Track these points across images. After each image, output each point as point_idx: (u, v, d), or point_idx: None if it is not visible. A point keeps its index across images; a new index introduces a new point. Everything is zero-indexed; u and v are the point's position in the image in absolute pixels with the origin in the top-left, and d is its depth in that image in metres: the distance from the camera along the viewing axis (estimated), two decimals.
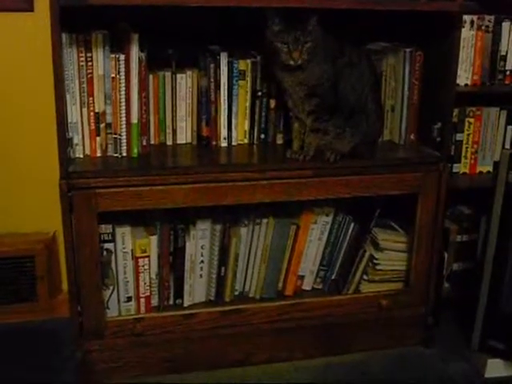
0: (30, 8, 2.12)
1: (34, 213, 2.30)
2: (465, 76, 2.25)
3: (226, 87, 2.04)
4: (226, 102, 2.05)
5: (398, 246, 2.20)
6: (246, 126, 2.11)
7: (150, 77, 2.00)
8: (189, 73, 2.04)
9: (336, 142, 2.01)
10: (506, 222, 1.99)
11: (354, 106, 2.00)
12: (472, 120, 2.30)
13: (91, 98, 1.90)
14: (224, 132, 2.08)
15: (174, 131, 2.09)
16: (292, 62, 1.85)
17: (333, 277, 2.21)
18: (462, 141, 2.31)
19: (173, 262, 2.05)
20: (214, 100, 2.05)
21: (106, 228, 1.96)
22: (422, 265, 2.16)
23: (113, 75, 1.89)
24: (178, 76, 2.04)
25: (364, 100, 2.01)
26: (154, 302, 2.07)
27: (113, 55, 1.88)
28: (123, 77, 1.89)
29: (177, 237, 2.03)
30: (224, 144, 2.09)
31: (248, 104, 2.09)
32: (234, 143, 2.11)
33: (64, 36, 1.80)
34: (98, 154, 1.95)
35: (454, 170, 2.32)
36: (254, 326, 2.08)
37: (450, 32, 2.00)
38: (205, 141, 2.09)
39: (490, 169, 2.34)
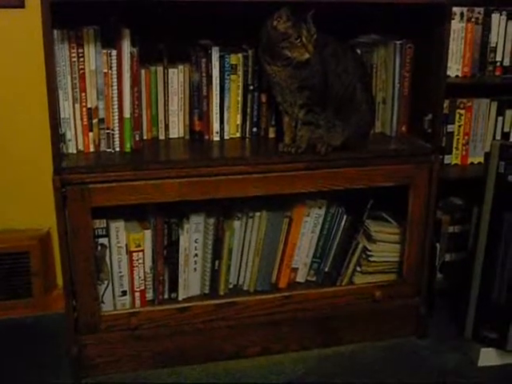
0: (20, 4, 2.11)
1: (28, 209, 2.30)
2: (455, 67, 2.27)
3: (218, 81, 2.05)
4: (218, 96, 2.06)
5: (391, 237, 2.21)
6: (238, 120, 2.12)
7: (142, 72, 2.00)
8: (180, 67, 2.05)
9: (327, 136, 2.02)
10: (496, 212, 2.00)
11: (341, 98, 2.00)
12: (463, 111, 2.31)
13: (83, 94, 1.90)
14: (216, 126, 2.09)
15: (167, 126, 2.09)
16: (307, 55, 1.85)
17: (326, 269, 2.21)
18: (453, 132, 2.32)
19: (167, 256, 2.06)
20: (206, 94, 2.06)
21: (99, 223, 1.96)
22: (415, 256, 2.17)
23: (105, 70, 1.90)
24: (170, 71, 2.04)
25: (352, 92, 2.00)
26: (149, 295, 2.08)
27: (104, 51, 1.88)
28: (115, 72, 1.90)
29: (170, 231, 2.03)
30: (216, 138, 2.10)
31: (240, 98, 2.09)
32: (226, 137, 2.11)
33: (55, 32, 1.80)
34: (91, 150, 1.96)
35: (446, 162, 2.33)
36: (249, 318, 2.09)
37: (440, 24, 2.00)
38: (197, 135, 2.10)
39: (481, 160, 2.35)
